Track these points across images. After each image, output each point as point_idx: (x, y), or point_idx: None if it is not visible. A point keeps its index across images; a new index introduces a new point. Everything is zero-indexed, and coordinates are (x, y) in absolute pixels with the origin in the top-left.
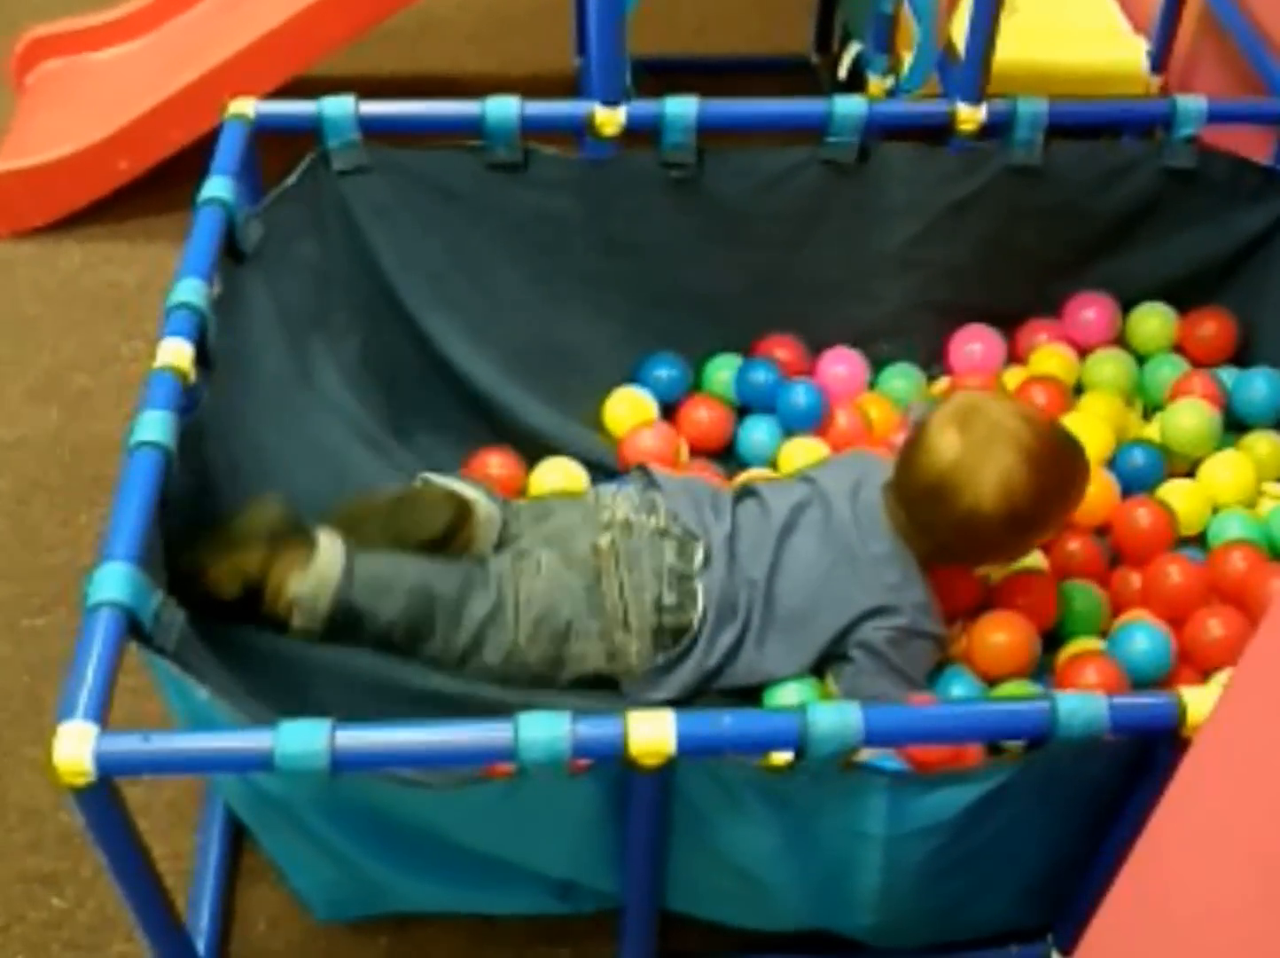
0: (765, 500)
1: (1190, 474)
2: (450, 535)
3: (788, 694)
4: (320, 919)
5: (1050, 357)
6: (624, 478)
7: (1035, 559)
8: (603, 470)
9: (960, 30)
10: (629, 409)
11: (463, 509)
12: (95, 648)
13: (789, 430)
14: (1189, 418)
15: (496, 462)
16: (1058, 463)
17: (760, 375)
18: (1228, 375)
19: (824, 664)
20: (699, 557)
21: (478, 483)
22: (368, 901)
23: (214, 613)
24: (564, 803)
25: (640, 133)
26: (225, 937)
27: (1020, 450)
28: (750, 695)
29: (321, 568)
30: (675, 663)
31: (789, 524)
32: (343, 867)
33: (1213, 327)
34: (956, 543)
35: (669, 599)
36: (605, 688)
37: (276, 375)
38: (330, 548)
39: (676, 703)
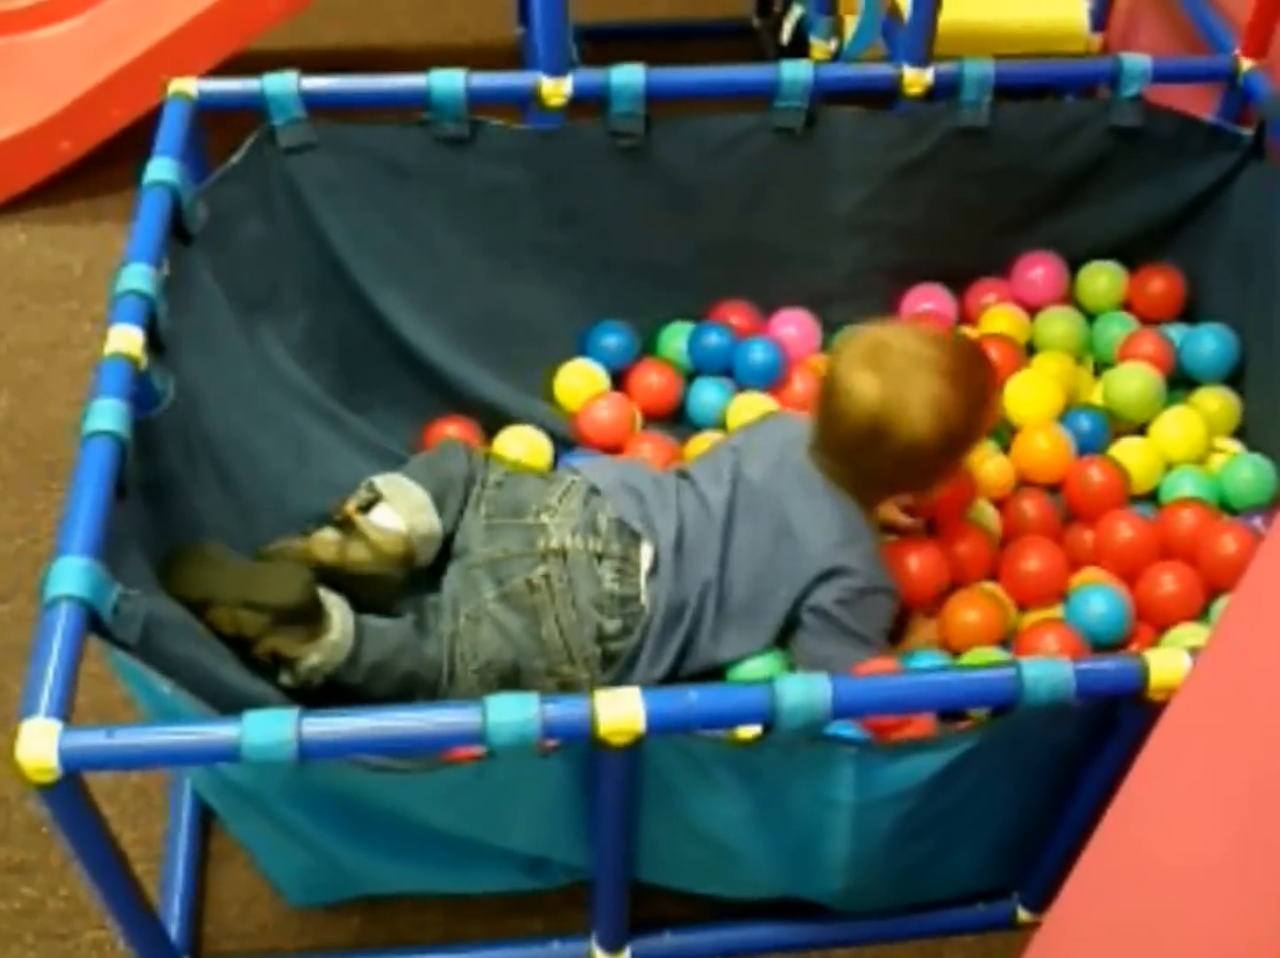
0: (702, 491)
1: (1142, 432)
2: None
3: (754, 667)
4: (293, 904)
5: (1000, 316)
6: (565, 482)
7: (990, 520)
8: (558, 442)
9: None
10: (581, 381)
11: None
12: (55, 643)
13: (744, 389)
14: (1132, 382)
15: (453, 431)
16: (973, 373)
17: (714, 338)
18: (1176, 332)
19: (786, 634)
20: (645, 564)
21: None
22: (339, 884)
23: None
24: (534, 782)
25: (587, 102)
26: (198, 920)
27: (939, 373)
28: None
29: (328, 650)
30: (624, 675)
31: (729, 515)
32: (314, 852)
33: (1161, 284)
34: (901, 478)
35: (610, 627)
36: None
37: (228, 356)
38: (342, 628)
39: None
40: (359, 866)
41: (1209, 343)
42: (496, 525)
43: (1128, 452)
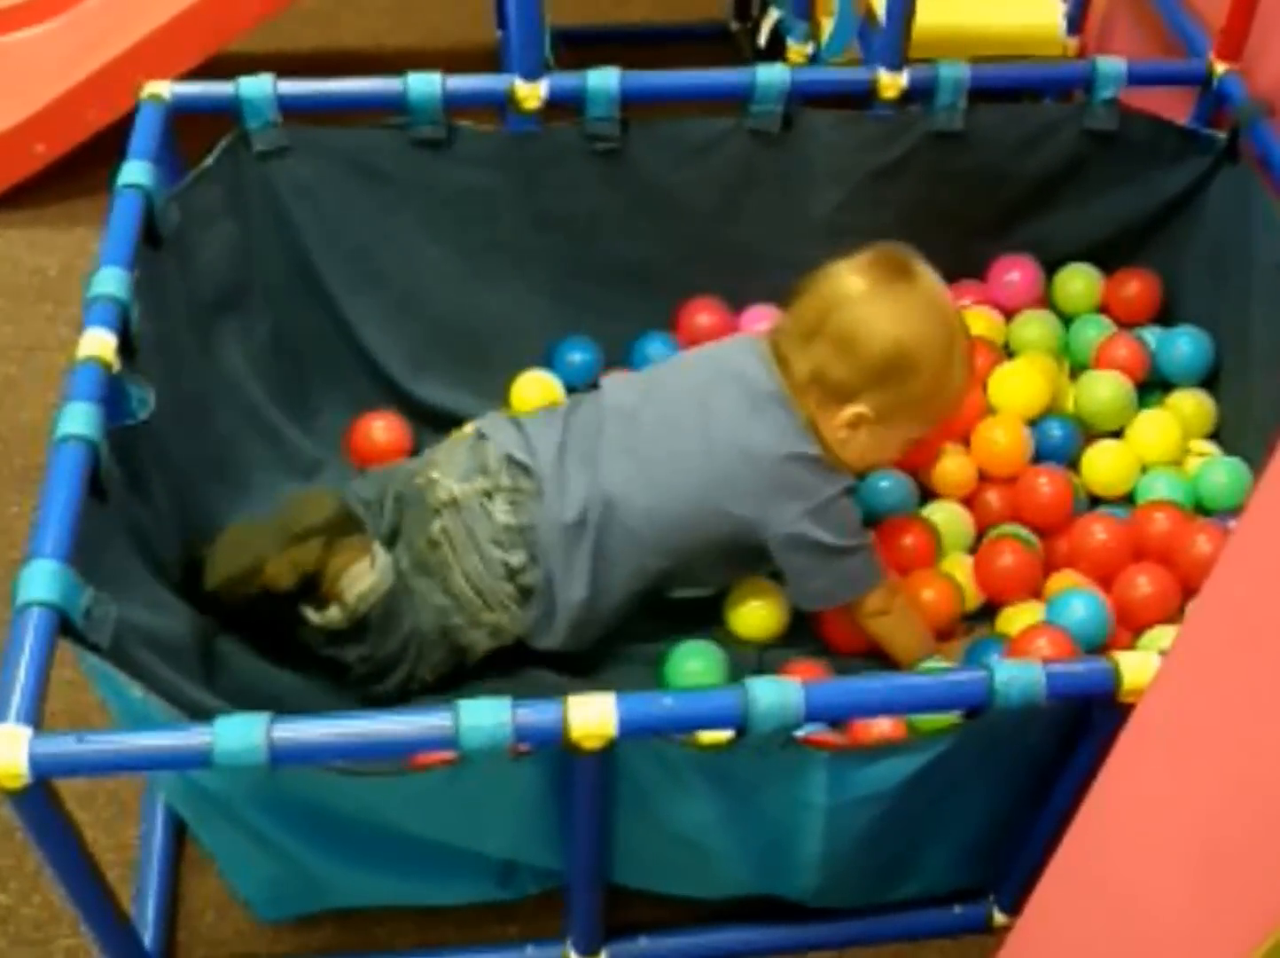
0: (603, 403)
1: (1118, 434)
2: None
3: (694, 669)
4: (262, 918)
5: (976, 319)
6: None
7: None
8: None
9: None
10: (536, 392)
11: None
12: (25, 648)
13: None
14: (1104, 389)
15: (380, 425)
16: (954, 326)
17: (659, 348)
18: (1151, 336)
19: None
20: (535, 488)
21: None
22: (308, 896)
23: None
24: (506, 786)
25: (564, 105)
26: (172, 927)
27: (922, 299)
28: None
29: (382, 568)
30: (547, 606)
31: (628, 419)
32: (283, 861)
33: (1136, 286)
34: (846, 384)
35: (515, 560)
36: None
37: (183, 361)
38: (384, 557)
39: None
40: (329, 874)
41: (1184, 346)
42: (400, 497)
43: (1103, 454)
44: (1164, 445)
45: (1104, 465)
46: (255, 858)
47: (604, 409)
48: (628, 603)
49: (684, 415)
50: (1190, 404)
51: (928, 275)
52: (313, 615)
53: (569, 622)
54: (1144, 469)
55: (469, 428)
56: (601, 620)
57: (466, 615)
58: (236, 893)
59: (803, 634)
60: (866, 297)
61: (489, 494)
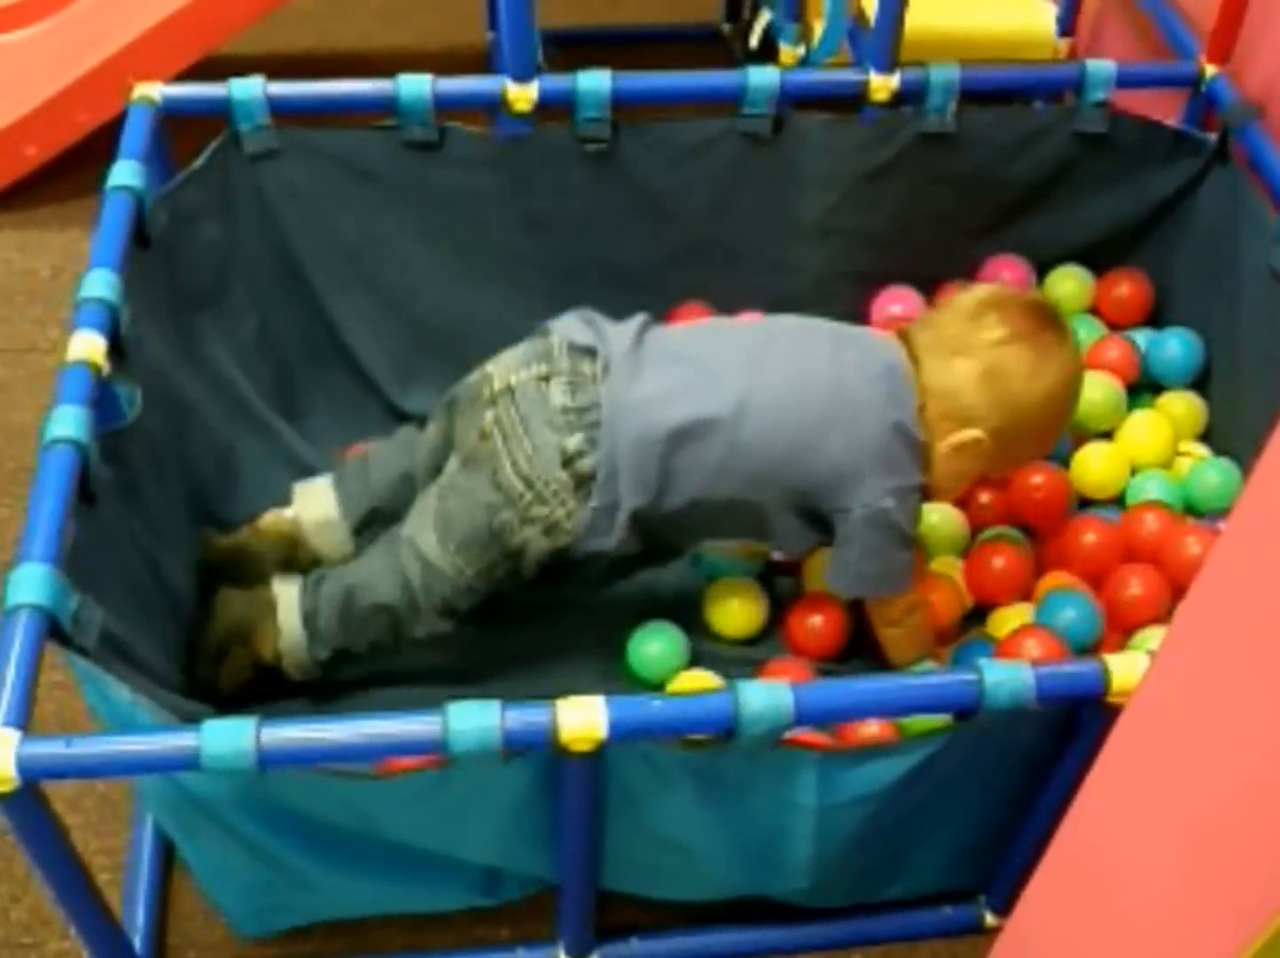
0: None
1: (1108, 436)
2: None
3: (654, 651)
4: (244, 934)
5: None
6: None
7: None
8: None
9: None
10: None
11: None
12: (14, 651)
13: None
14: (1094, 390)
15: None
16: (1074, 389)
17: None
18: (1142, 338)
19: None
20: (598, 368)
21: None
22: (292, 908)
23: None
24: (496, 789)
25: (555, 107)
26: (162, 930)
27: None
28: None
29: (288, 636)
30: (609, 504)
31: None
32: (268, 870)
33: (1127, 288)
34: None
35: (572, 444)
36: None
37: (172, 360)
38: (285, 604)
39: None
40: (313, 882)
41: (1174, 347)
42: (453, 404)
43: (1094, 456)
44: (1154, 447)
45: (1095, 467)
46: (239, 868)
47: (713, 325)
48: (687, 513)
49: (817, 355)
50: (1181, 406)
51: (1068, 331)
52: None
53: (629, 516)
54: (1134, 471)
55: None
56: (655, 528)
57: (515, 510)
58: (217, 908)
59: (772, 636)
60: (1029, 340)
61: (546, 379)
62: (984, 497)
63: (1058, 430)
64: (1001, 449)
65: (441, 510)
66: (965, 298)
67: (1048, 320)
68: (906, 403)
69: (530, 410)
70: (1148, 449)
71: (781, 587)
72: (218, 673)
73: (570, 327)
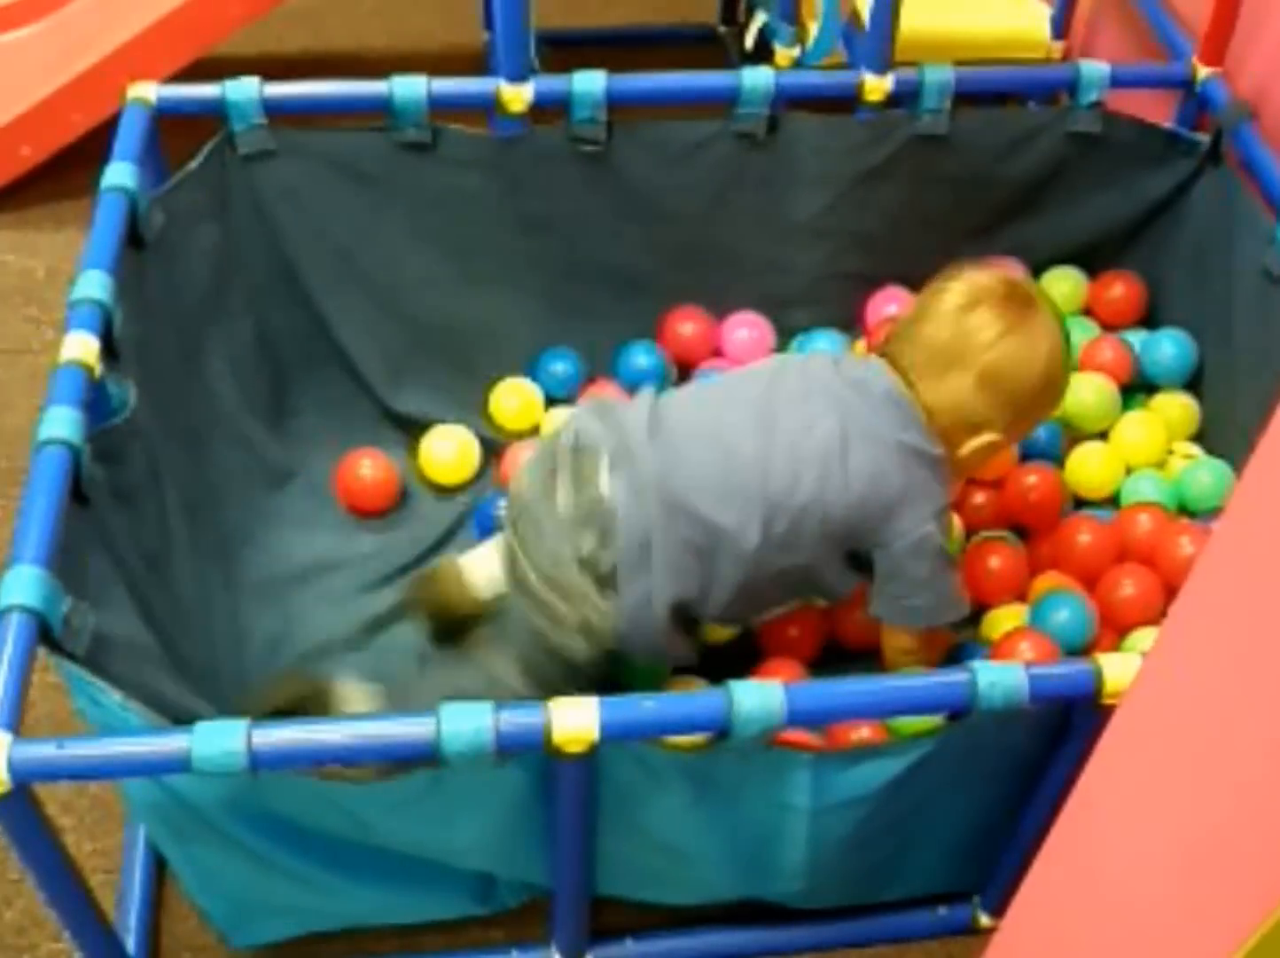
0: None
1: (1103, 436)
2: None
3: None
4: (232, 946)
5: None
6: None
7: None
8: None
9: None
10: (516, 402)
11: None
12: (5, 653)
13: None
14: (1088, 391)
15: (368, 464)
16: (1063, 355)
17: (642, 359)
18: (1135, 338)
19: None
20: (604, 461)
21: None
22: (284, 920)
23: None
24: (489, 792)
25: (550, 108)
26: (155, 932)
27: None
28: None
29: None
30: (643, 598)
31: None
32: (260, 881)
33: (1121, 289)
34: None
35: (586, 547)
36: None
37: (166, 366)
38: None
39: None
40: (305, 894)
41: (1167, 348)
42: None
43: (1088, 456)
44: (1149, 447)
45: (1089, 467)
46: (229, 878)
47: (719, 386)
48: (737, 598)
49: (820, 400)
50: (1174, 406)
51: (1042, 295)
52: None
53: (668, 608)
54: (1128, 471)
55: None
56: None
57: (548, 618)
58: (208, 919)
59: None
60: (1017, 330)
61: (551, 475)
62: (978, 497)
63: (1063, 388)
64: (1016, 428)
65: (505, 636)
66: (942, 302)
67: (1025, 298)
68: (914, 425)
69: (539, 517)
70: (1142, 450)
71: None
72: None
73: (581, 417)
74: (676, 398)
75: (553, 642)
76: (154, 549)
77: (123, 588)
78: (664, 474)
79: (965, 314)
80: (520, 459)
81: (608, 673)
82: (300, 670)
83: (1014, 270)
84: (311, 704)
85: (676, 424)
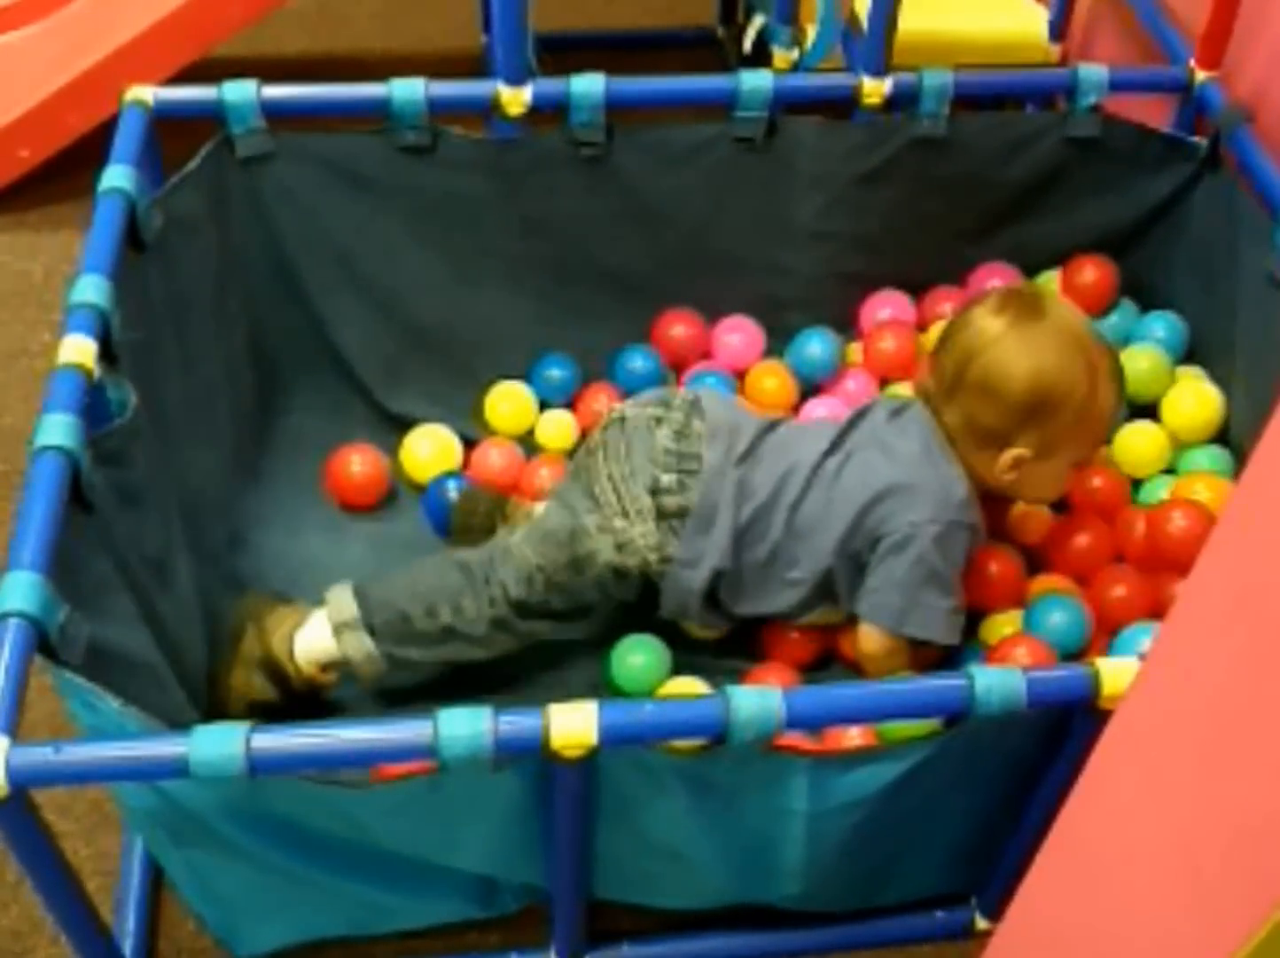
0: (799, 438)
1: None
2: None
3: (634, 659)
4: (235, 956)
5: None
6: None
7: None
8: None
9: (863, 2)
10: (511, 406)
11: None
12: (3, 659)
13: None
14: (1143, 361)
15: (358, 459)
16: (1093, 361)
17: (639, 363)
18: (1125, 320)
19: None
20: (706, 433)
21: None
22: (284, 928)
23: None
24: (488, 796)
25: (548, 111)
26: (153, 936)
27: (1059, 334)
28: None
29: (334, 608)
30: (687, 539)
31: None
32: (259, 888)
33: (1093, 273)
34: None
35: (665, 480)
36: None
37: (164, 363)
38: (336, 593)
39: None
40: (305, 900)
41: (1159, 330)
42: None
43: (1135, 435)
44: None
45: (1136, 446)
46: (226, 883)
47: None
48: (752, 588)
49: (872, 449)
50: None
51: (1059, 306)
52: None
53: (711, 572)
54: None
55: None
56: (730, 591)
57: (599, 517)
58: (206, 927)
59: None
60: (998, 340)
61: (658, 420)
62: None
63: (1097, 393)
64: (1055, 443)
65: (540, 515)
66: (946, 332)
67: (1016, 311)
68: (935, 442)
69: (635, 440)
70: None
71: None
72: (228, 687)
73: (707, 394)
74: (787, 428)
75: (584, 534)
76: (157, 552)
77: (126, 593)
78: (745, 471)
79: (964, 331)
80: (491, 457)
81: (606, 613)
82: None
83: (1006, 274)
84: (260, 613)
85: (772, 444)
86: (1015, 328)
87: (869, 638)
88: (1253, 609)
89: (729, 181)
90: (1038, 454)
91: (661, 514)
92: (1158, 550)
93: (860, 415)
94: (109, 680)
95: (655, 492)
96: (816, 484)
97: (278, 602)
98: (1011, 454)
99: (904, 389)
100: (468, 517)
